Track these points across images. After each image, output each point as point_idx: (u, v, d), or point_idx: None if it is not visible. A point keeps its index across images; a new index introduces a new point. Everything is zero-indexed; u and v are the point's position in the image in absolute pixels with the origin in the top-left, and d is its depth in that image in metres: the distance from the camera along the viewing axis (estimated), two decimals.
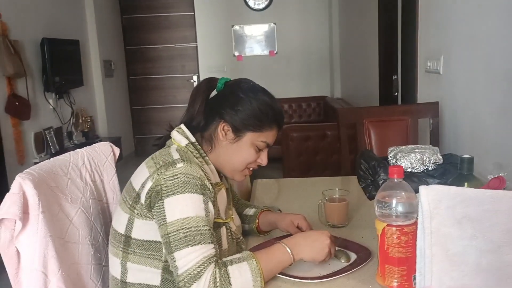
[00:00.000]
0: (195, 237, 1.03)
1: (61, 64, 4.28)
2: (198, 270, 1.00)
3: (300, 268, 1.18)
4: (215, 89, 1.25)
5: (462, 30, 2.12)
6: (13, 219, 1.02)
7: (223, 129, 1.20)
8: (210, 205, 1.10)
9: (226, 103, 1.21)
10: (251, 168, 1.26)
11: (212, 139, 1.21)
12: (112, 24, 5.82)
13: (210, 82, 1.26)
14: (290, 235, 1.28)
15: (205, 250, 1.03)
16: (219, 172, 1.26)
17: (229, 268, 1.02)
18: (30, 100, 3.86)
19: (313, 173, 3.73)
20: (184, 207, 1.05)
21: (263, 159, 1.25)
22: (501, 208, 0.78)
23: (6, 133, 3.59)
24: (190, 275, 1.00)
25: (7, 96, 3.59)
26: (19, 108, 3.69)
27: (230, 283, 1.00)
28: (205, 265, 1.01)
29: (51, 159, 1.24)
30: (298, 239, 1.15)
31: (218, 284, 0.99)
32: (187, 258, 1.01)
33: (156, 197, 1.07)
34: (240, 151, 1.21)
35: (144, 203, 1.10)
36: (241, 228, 1.37)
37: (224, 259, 1.06)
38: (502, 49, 1.75)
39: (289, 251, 1.11)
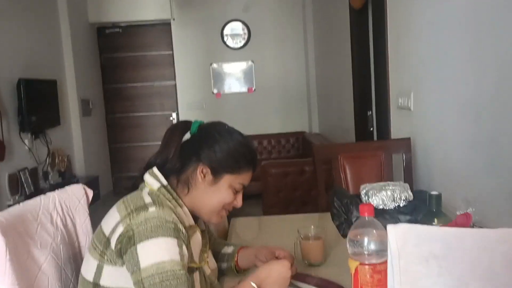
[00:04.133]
0: (172, 282, 1.01)
1: (38, 104, 4.25)
2: None
3: None
4: (188, 132, 1.26)
5: (430, 67, 2.20)
6: None
7: (201, 172, 1.20)
8: (184, 248, 1.10)
9: (203, 145, 1.21)
10: (226, 210, 1.27)
11: (189, 182, 1.21)
12: (91, 63, 5.85)
13: (183, 125, 1.26)
14: None
15: None
16: (193, 215, 1.25)
17: None
18: (5, 141, 3.80)
19: (293, 209, 3.73)
20: (158, 251, 1.04)
21: (238, 201, 1.26)
22: (465, 245, 0.80)
23: None
24: None
25: None
26: None
27: None
28: None
29: (21, 203, 1.21)
30: (263, 275, 1.16)
31: None
32: None
33: (128, 243, 1.05)
34: (218, 193, 1.21)
35: (114, 249, 1.08)
36: (217, 272, 1.35)
37: None
38: (469, 85, 1.82)
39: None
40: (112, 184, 6.19)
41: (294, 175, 3.83)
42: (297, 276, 1.36)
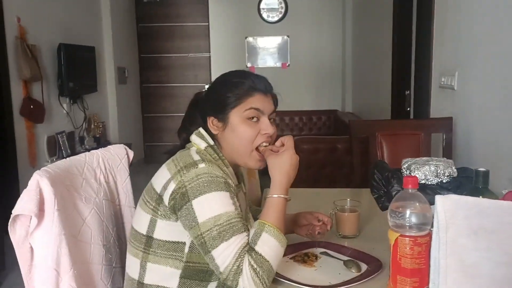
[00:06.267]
0: (228, 231, 1.04)
1: (76, 69, 4.35)
2: (238, 264, 1.02)
3: (310, 277, 1.18)
4: None
5: (477, 46, 2.12)
6: (28, 215, 1.03)
7: (211, 123, 1.21)
8: (236, 200, 1.12)
9: (204, 101, 1.26)
10: (262, 146, 1.20)
11: (213, 138, 1.23)
12: (128, 32, 5.90)
13: (197, 95, 1.32)
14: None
15: (238, 241, 1.04)
16: (237, 176, 1.27)
17: (257, 248, 1.04)
18: (45, 104, 3.91)
19: (321, 186, 3.70)
20: (213, 206, 1.06)
21: (266, 128, 1.19)
22: None
23: (20, 135, 3.63)
24: (232, 272, 1.02)
25: (22, 99, 3.65)
26: (34, 111, 3.74)
27: (266, 260, 1.03)
28: (242, 257, 1.03)
29: (67, 158, 1.25)
30: (283, 177, 1.15)
31: (258, 270, 1.01)
32: (224, 254, 1.03)
33: (182, 199, 1.08)
34: (235, 132, 1.18)
35: (167, 205, 1.11)
36: None
37: (249, 243, 1.07)
38: None
39: (282, 196, 1.13)
40: (144, 153, 6.31)
41: (325, 152, 3.79)
42: (331, 246, 1.37)
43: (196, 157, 1.14)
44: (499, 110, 1.90)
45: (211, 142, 1.21)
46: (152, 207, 1.14)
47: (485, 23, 2.04)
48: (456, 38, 2.35)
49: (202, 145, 1.21)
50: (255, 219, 1.43)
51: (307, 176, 3.85)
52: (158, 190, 1.13)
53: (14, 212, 1.03)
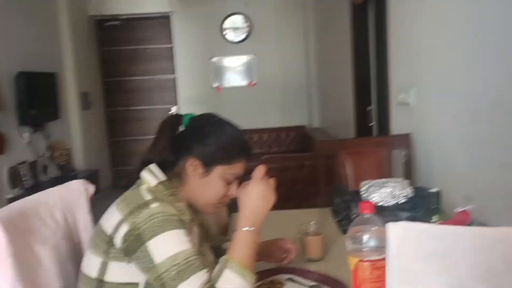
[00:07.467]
0: (187, 271, 1.03)
1: (37, 97, 4.24)
2: None
3: None
4: (180, 125, 1.24)
5: (431, 63, 2.19)
6: None
7: (192, 165, 1.19)
8: (190, 237, 1.11)
9: (194, 138, 1.21)
10: (223, 202, 1.25)
11: (182, 175, 1.21)
12: (90, 56, 5.83)
13: (174, 119, 1.26)
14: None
15: (198, 279, 1.03)
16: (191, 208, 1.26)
17: (217, 286, 1.04)
18: (4, 134, 3.80)
19: (293, 204, 3.70)
20: (170, 245, 1.05)
21: (233, 191, 1.22)
22: (465, 244, 0.80)
23: None
24: None
25: None
26: None
27: None
28: None
29: (21, 200, 1.21)
30: (248, 209, 1.15)
31: None
32: None
33: (136, 242, 1.05)
34: (210, 185, 1.20)
35: (119, 248, 1.08)
36: (214, 265, 1.36)
37: (211, 280, 1.05)
38: (469, 82, 1.82)
39: (251, 229, 1.13)
40: (112, 178, 6.18)
41: (293, 169, 3.80)
42: (296, 271, 1.37)
43: (147, 197, 1.12)
44: (453, 126, 1.97)
45: (162, 178, 1.19)
46: (102, 250, 1.11)
47: (437, 40, 2.11)
48: (410, 55, 2.43)
49: (153, 182, 1.17)
50: (218, 248, 1.43)
51: (278, 195, 3.84)
52: (109, 231, 1.11)
53: None
